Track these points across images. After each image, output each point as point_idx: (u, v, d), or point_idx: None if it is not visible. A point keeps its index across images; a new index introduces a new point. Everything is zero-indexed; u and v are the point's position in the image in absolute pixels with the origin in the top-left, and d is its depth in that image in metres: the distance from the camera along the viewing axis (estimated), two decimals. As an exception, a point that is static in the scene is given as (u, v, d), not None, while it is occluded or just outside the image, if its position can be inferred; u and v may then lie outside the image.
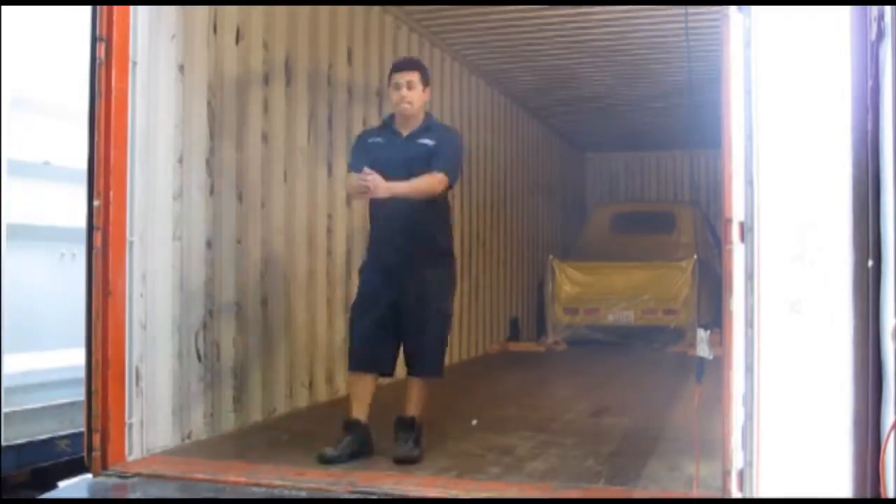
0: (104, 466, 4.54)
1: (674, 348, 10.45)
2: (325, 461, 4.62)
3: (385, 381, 5.14)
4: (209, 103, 5.67)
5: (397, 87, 4.92)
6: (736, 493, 3.55)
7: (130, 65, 4.78)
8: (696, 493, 3.95)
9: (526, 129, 13.40)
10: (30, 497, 5.05)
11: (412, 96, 4.91)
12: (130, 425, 4.74)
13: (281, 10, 6.47)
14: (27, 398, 5.12)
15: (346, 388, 5.87)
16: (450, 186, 4.90)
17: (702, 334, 4.37)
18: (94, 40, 4.59)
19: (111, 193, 4.60)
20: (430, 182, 4.74)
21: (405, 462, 4.64)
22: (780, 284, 3.48)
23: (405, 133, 4.97)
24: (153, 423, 4.97)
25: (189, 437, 5.34)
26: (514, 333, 12.12)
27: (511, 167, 12.52)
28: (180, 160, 5.36)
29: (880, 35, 3.36)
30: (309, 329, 6.78)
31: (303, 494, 4.16)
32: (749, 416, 3.49)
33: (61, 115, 5.34)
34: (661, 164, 17.81)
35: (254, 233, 6.15)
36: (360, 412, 4.89)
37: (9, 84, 5.00)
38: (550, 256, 11.78)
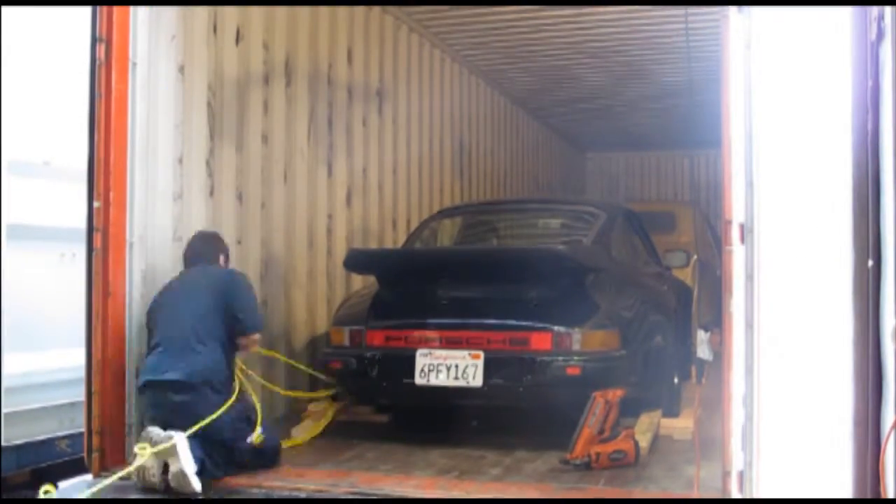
0: (104, 467, 4.54)
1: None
2: None
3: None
4: (209, 103, 5.67)
5: None
6: (736, 494, 3.55)
7: (130, 65, 4.78)
8: (696, 494, 3.95)
9: (526, 130, 13.40)
10: (30, 497, 5.05)
11: None
12: (130, 426, 4.74)
13: (281, 11, 6.47)
14: (27, 398, 5.11)
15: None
16: None
17: (702, 335, 4.39)
18: (94, 41, 4.59)
19: (111, 194, 4.61)
20: None
21: None
22: (780, 285, 3.48)
23: None
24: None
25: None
26: None
27: (511, 167, 12.52)
28: (180, 160, 5.36)
29: (880, 35, 3.36)
30: (309, 329, 6.77)
31: (302, 495, 4.16)
32: (749, 417, 3.49)
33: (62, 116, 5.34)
34: (661, 164, 17.81)
35: (254, 233, 6.15)
36: None
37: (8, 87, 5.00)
38: None
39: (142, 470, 4.19)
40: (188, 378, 4.41)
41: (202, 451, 4.29)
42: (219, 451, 4.40)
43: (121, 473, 4.24)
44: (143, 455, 4.16)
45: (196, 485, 4.13)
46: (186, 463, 4.14)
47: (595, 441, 4.62)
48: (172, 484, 4.13)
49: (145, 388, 4.53)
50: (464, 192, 10.35)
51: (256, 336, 4.91)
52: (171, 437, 4.17)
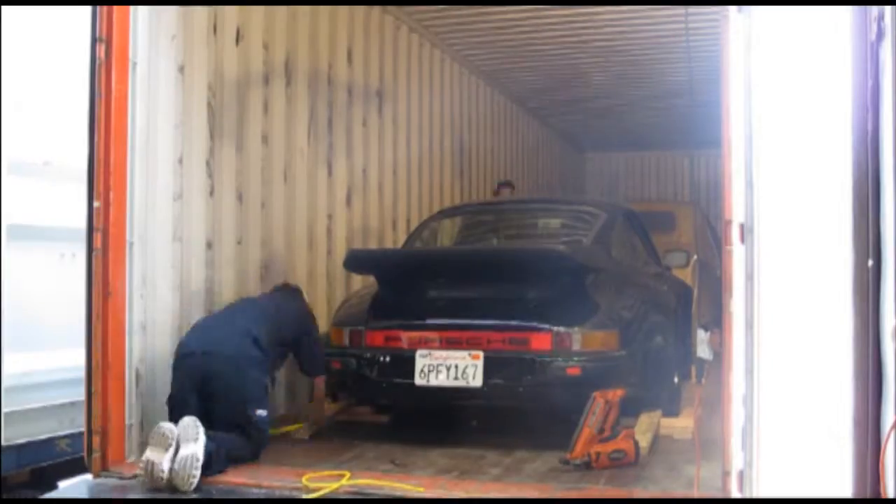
0: (104, 467, 4.55)
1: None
2: None
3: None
4: (209, 103, 5.67)
5: None
6: (736, 494, 3.55)
7: (130, 65, 4.78)
8: (696, 494, 3.95)
9: (526, 130, 13.40)
10: (30, 497, 5.05)
11: None
12: (130, 426, 4.74)
13: (281, 11, 6.47)
14: (27, 398, 5.11)
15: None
16: None
17: (702, 335, 4.38)
18: (94, 41, 4.59)
19: (111, 194, 4.61)
20: None
21: None
22: (780, 285, 3.48)
23: None
24: (153, 425, 4.96)
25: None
26: None
27: (511, 167, 12.52)
28: (180, 161, 5.36)
29: (880, 35, 3.36)
30: (309, 329, 6.77)
31: (302, 495, 4.15)
32: (749, 417, 3.49)
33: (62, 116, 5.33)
34: (661, 164, 17.82)
35: (254, 233, 6.15)
36: None
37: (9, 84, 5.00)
38: None
39: (150, 464, 4.19)
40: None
41: (214, 444, 4.36)
42: (229, 435, 4.55)
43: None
44: (161, 442, 4.24)
45: (196, 475, 4.16)
46: (200, 448, 4.22)
47: (595, 441, 4.62)
48: (177, 468, 4.15)
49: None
50: (464, 192, 10.35)
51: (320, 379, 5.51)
52: (195, 422, 4.32)
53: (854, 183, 3.40)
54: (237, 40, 6.00)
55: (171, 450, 4.21)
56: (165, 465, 4.17)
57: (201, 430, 4.32)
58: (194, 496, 4.20)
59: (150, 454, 4.24)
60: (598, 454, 4.56)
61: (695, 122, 12.71)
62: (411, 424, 5.89)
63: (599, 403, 4.66)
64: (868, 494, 3.29)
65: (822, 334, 3.43)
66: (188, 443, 4.25)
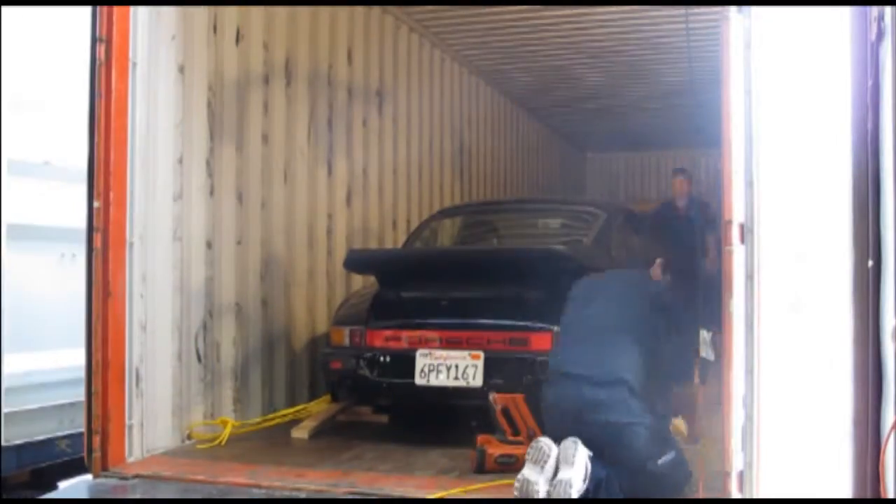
0: (104, 467, 4.55)
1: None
2: None
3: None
4: (209, 103, 5.67)
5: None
6: (736, 494, 3.55)
7: (130, 65, 4.78)
8: (701, 494, 3.95)
9: (526, 130, 13.40)
10: (30, 497, 5.06)
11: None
12: (130, 426, 4.74)
13: (281, 11, 6.47)
14: (27, 398, 5.11)
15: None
16: None
17: (704, 335, 4.36)
18: (94, 41, 4.60)
19: (111, 194, 4.61)
20: None
21: None
22: (780, 285, 3.48)
23: None
24: (153, 424, 4.97)
25: (189, 437, 5.34)
26: None
27: (511, 167, 12.52)
28: (180, 160, 5.36)
29: (880, 35, 3.37)
30: (309, 329, 6.77)
31: (302, 495, 4.16)
32: (749, 418, 3.49)
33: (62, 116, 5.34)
34: (661, 164, 17.79)
35: (254, 233, 6.15)
36: None
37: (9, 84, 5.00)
38: None
39: (525, 483, 3.85)
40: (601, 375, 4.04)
41: (605, 472, 3.91)
42: (624, 473, 3.97)
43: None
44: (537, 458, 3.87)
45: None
46: (577, 475, 3.79)
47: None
48: (552, 493, 3.79)
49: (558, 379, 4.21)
50: (464, 192, 10.35)
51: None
52: (575, 443, 3.88)
53: (854, 183, 3.40)
54: (237, 40, 6.00)
55: (549, 468, 3.83)
56: (542, 487, 3.79)
57: (581, 452, 3.85)
58: (195, 496, 4.20)
59: (526, 472, 3.87)
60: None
61: (695, 122, 12.69)
62: (411, 424, 5.89)
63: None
64: (868, 494, 3.29)
65: (822, 334, 3.43)
66: (565, 466, 3.82)
